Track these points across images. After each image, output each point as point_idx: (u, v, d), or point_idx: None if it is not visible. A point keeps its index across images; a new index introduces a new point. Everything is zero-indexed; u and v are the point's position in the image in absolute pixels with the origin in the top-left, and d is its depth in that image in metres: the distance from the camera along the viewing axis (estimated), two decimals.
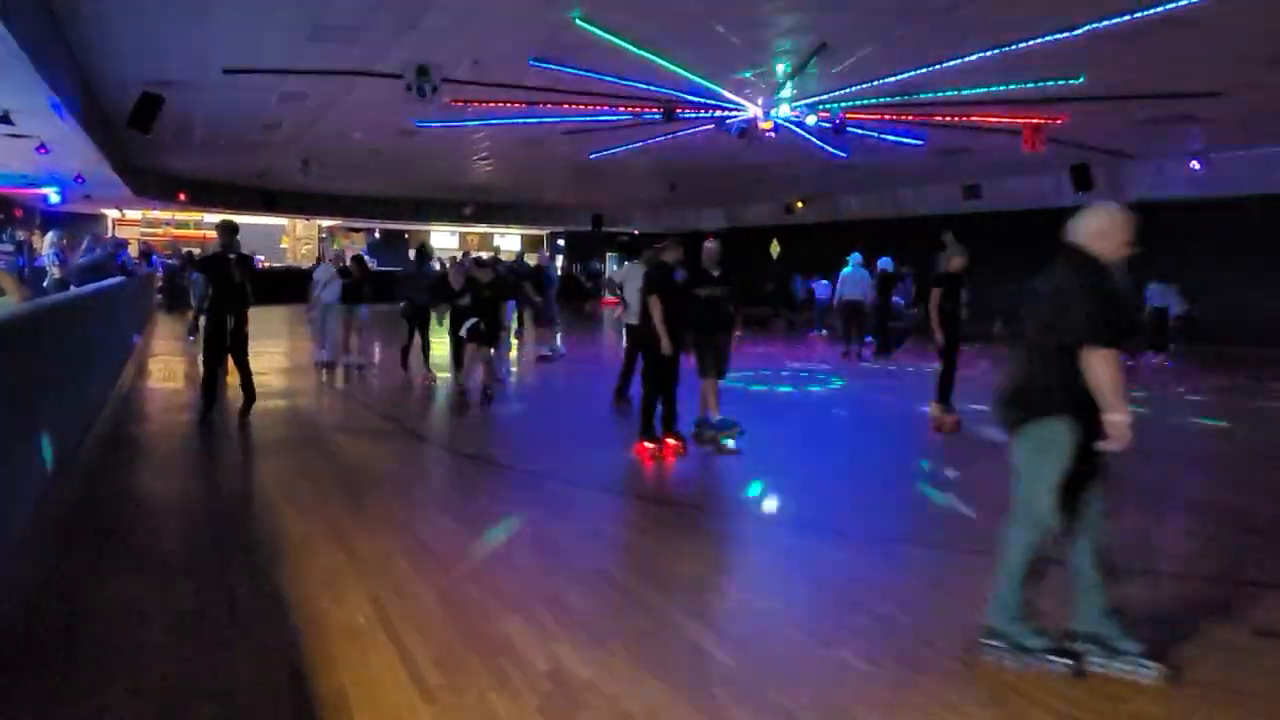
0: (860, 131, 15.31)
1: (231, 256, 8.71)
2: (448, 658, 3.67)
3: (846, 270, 16.61)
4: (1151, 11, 8.86)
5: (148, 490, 6.51)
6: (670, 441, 7.74)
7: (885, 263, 17.43)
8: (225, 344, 8.73)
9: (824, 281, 24.75)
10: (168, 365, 13.62)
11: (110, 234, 26.90)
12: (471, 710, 3.26)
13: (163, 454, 7.74)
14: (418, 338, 12.07)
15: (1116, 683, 3.55)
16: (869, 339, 17.04)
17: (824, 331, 22.05)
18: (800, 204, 26.97)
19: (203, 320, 10.07)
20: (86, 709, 3.22)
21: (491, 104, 14.04)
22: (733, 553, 5.45)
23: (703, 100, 13.59)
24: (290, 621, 3.99)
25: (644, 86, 12.73)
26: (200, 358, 9.26)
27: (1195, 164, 17.54)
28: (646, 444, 7.67)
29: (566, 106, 14.09)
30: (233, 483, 6.94)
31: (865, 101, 13.52)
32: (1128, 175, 19.04)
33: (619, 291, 10.08)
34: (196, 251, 22.99)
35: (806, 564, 5.21)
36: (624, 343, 10.42)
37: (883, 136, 16.09)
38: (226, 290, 8.68)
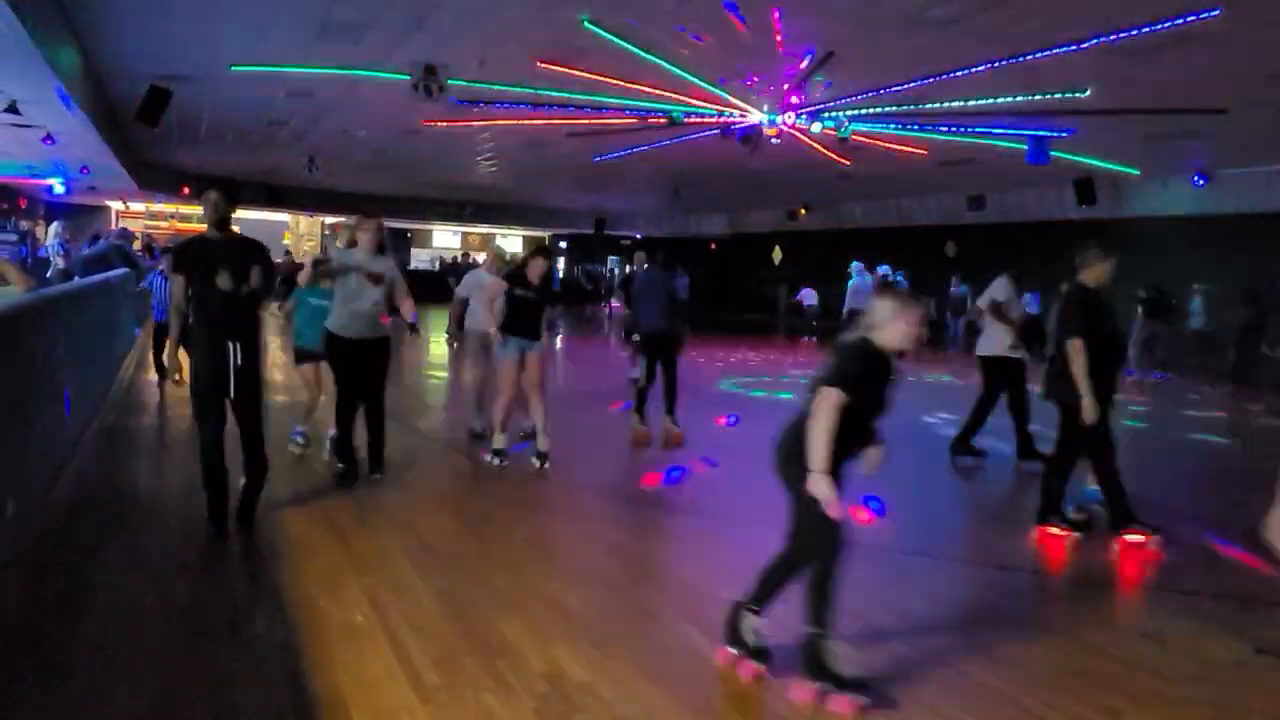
0: (865, 140, 15.32)
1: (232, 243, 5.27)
2: (445, 658, 3.66)
3: (854, 281, 16.62)
4: (1160, 27, 8.88)
5: (147, 485, 6.51)
6: (1060, 530, 5.89)
7: (885, 271, 17.31)
8: (225, 393, 5.17)
9: (809, 290, 24.97)
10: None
11: (115, 225, 26.94)
12: (468, 711, 3.26)
13: (162, 448, 7.74)
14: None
15: (1122, 696, 3.55)
16: None
17: (814, 339, 22.99)
18: (804, 210, 27.05)
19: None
20: (83, 706, 3.21)
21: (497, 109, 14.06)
22: (731, 558, 5.44)
23: (707, 109, 13.61)
24: (288, 619, 3.98)
25: (649, 90, 12.75)
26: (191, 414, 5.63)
27: (1199, 180, 17.55)
28: (1053, 528, 5.89)
29: (572, 109, 14.11)
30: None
31: (871, 110, 13.54)
32: (1131, 190, 19.05)
33: (1007, 314, 7.81)
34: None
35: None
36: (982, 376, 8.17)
37: (888, 148, 16.10)
38: (220, 302, 5.11)
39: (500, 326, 7.18)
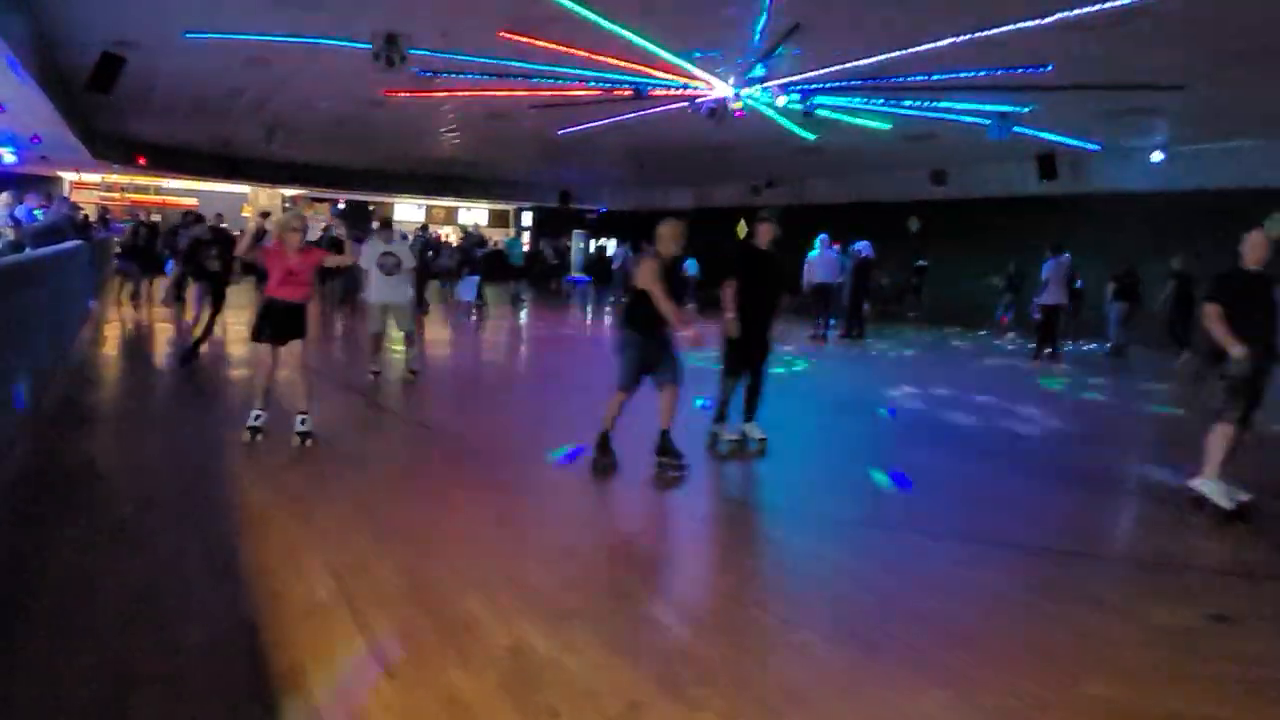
0: (828, 114, 15.31)
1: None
2: (409, 633, 3.64)
3: (814, 253, 16.59)
4: (1120, 3, 8.93)
5: (102, 460, 6.39)
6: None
7: (863, 246, 17.19)
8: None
9: (690, 260, 25.01)
10: (123, 330, 13.38)
11: (66, 195, 26.36)
12: (432, 686, 3.25)
13: (118, 422, 7.60)
14: None
15: (1075, 664, 3.62)
16: (832, 321, 17.06)
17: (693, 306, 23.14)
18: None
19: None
20: (37, 685, 3.15)
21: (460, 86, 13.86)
22: (697, 532, 5.47)
23: (672, 82, 13.51)
24: (248, 595, 3.93)
25: (614, 62, 12.64)
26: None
27: (1159, 155, 17.74)
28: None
29: (536, 81, 13.95)
30: (191, 453, 6.81)
31: (835, 84, 13.52)
32: (1092, 166, 19.23)
33: None
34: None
35: (769, 544, 5.25)
36: None
37: (851, 120, 16.11)
38: None
39: None
